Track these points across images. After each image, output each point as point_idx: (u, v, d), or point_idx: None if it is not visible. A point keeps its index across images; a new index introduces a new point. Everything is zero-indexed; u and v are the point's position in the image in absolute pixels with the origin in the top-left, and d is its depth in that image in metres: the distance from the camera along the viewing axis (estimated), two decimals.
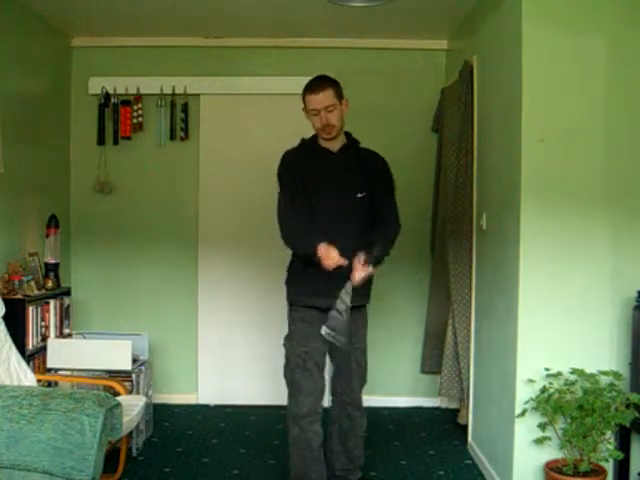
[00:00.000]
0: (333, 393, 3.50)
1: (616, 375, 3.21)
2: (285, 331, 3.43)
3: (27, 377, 3.50)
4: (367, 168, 3.37)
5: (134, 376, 4.09)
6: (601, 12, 3.30)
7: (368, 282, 3.31)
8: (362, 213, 3.31)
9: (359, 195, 3.30)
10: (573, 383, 3.23)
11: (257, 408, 5.03)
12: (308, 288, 3.27)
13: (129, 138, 5.06)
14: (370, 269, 3.13)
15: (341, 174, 3.32)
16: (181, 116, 5.08)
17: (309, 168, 3.33)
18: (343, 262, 3.07)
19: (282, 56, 5.08)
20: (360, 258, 3.09)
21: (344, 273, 3.10)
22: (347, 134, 3.44)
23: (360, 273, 3.10)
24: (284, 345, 3.39)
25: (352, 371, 3.41)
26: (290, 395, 3.35)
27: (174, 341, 5.13)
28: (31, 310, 3.98)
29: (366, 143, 3.58)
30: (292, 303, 3.38)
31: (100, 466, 2.73)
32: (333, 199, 3.27)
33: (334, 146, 3.35)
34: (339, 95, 3.28)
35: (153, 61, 5.08)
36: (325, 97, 3.22)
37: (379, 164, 3.44)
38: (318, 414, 3.34)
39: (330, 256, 3.07)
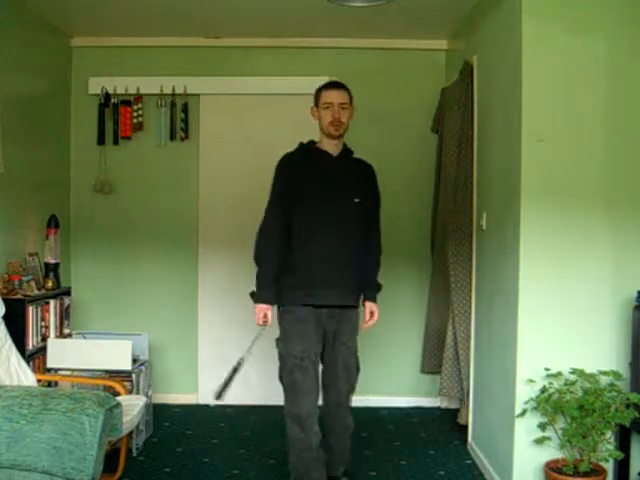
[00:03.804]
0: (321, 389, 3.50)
1: (616, 375, 3.21)
2: None
3: (27, 377, 3.50)
4: (362, 177, 3.49)
5: (134, 376, 4.09)
6: (601, 12, 3.30)
7: (357, 285, 3.46)
8: (358, 218, 3.40)
9: (356, 200, 3.39)
10: (573, 383, 3.23)
11: (257, 408, 5.03)
12: (303, 289, 3.32)
13: (129, 138, 5.07)
14: (375, 316, 3.51)
15: (340, 177, 3.40)
16: (181, 116, 5.08)
17: (309, 169, 3.39)
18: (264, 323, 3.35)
19: (282, 56, 5.09)
20: (367, 310, 3.50)
21: (335, 274, 3.33)
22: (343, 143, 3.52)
23: (369, 324, 3.51)
24: (277, 346, 3.39)
25: (339, 370, 3.44)
26: (289, 396, 3.34)
27: (174, 341, 5.14)
28: (31, 310, 3.97)
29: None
30: (285, 304, 3.38)
31: (100, 466, 2.73)
32: (332, 201, 3.34)
33: (334, 150, 3.42)
34: (351, 100, 3.43)
35: (153, 61, 5.08)
36: (341, 94, 3.38)
37: (372, 176, 3.55)
38: (316, 413, 3.35)
39: (259, 316, 3.34)
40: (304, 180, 3.35)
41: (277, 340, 3.40)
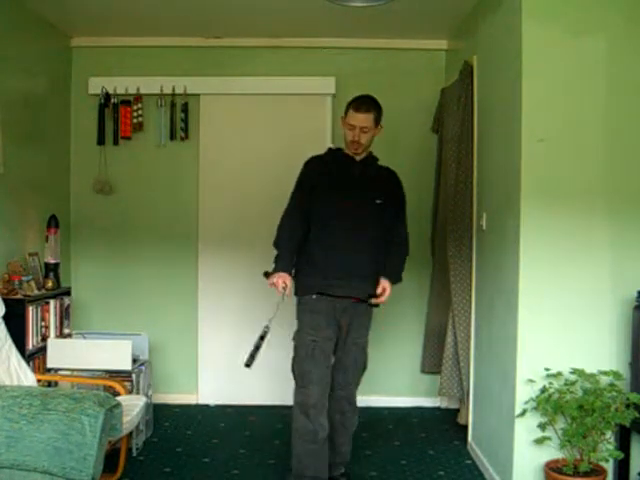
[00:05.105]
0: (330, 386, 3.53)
1: (616, 375, 3.21)
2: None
3: (27, 377, 3.50)
4: (384, 180, 3.59)
5: (134, 376, 4.09)
6: (601, 12, 3.30)
7: (374, 281, 3.47)
8: (377, 219, 3.51)
9: (377, 201, 3.50)
10: (573, 383, 3.23)
11: (257, 408, 5.03)
12: (319, 279, 3.42)
13: (129, 138, 5.06)
14: (387, 292, 3.44)
15: (361, 178, 3.54)
16: (181, 116, 5.08)
17: (332, 169, 3.55)
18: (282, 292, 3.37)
19: (282, 56, 5.09)
20: (380, 286, 3.43)
21: (352, 267, 3.41)
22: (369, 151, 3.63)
23: (381, 300, 3.46)
24: (294, 339, 3.47)
25: (349, 365, 3.52)
26: (299, 385, 3.42)
27: (174, 341, 5.13)
28: (31, 310, 3.97)
29: None
30: (303, 294, 3.47)
31: (100, 466, 2.73)
32: (352, 200, 3.48)
33: (358, 156, 3.56)
34: (377, 121, 3.52)
35: (153, 61, 5.08)
36: (365, 119, 3.46)
37: (395, 181, 3.65)
38: (324, 406, 3.40)
39: (278, 282, 3.35)
40: (326, 177, 3.52)
41: (295, 332, 3.49)
